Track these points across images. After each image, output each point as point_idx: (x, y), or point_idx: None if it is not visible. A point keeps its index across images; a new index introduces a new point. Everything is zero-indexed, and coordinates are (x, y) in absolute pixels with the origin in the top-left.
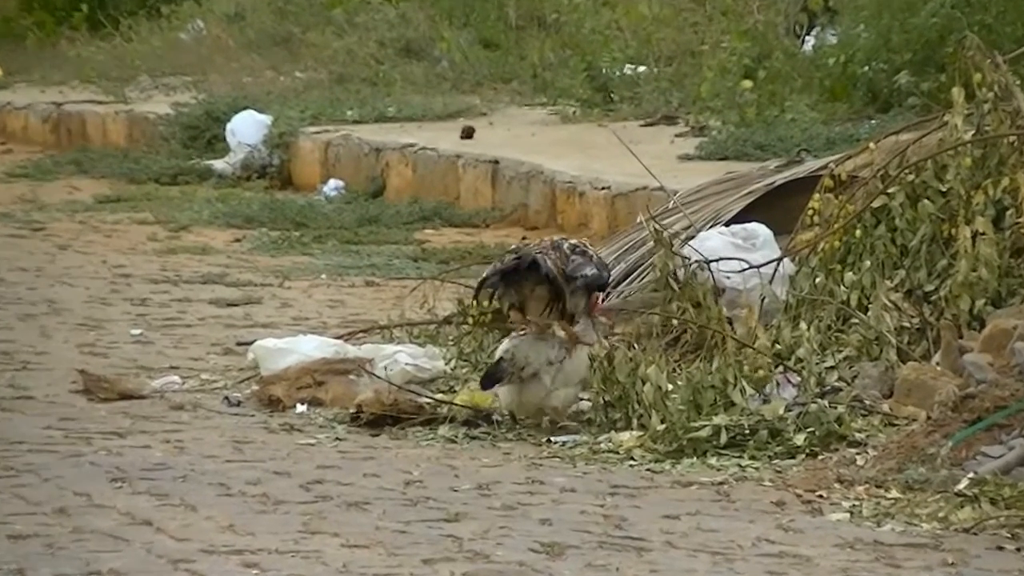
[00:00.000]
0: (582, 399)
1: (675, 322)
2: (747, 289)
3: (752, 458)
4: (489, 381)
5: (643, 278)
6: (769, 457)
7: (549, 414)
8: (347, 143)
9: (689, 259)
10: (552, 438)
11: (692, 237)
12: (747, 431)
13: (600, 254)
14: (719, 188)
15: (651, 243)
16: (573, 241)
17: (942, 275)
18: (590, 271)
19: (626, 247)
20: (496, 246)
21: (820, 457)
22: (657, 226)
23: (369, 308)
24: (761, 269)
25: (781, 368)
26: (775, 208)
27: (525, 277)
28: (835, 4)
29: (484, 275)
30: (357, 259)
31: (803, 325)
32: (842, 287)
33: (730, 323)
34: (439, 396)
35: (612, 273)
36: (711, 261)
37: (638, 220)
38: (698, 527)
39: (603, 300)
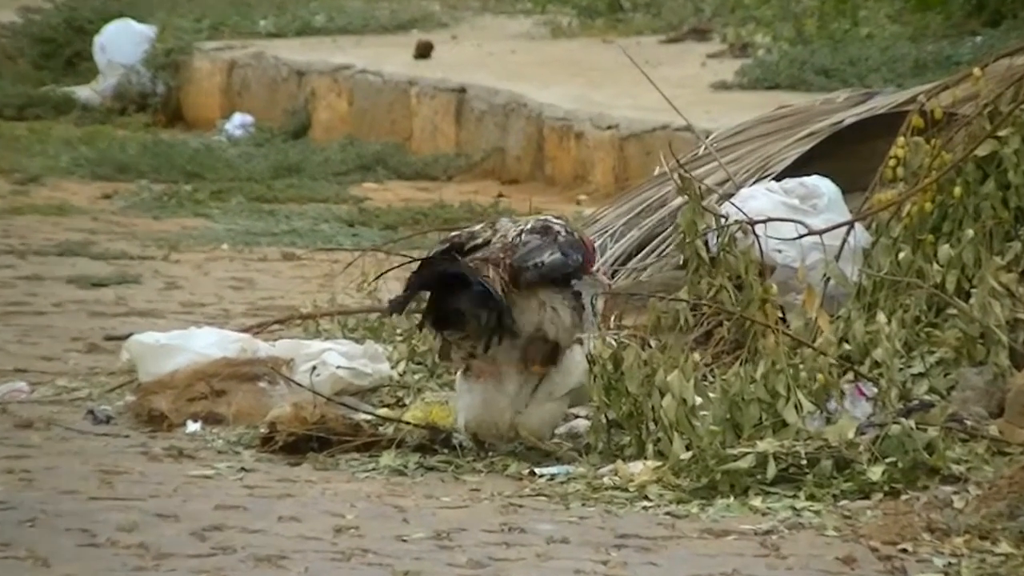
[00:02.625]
0: (577, 416)
1: (707, 310)
2: (805, 266)
3: (811, 498)
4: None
5: (663, 250)
6: (834, 497)
7: (522, 438)
8: (258, 64)
9: (727, 223)
10: (537, 469)
11: (731, 195)
12: (804, 461)
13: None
14: (767, 128)
15: (674, 202)
16: (534, 221)
17: None
18: (548, 256)
19: (639, 208)
20: (461, 207)
21: (904, 498)
22: (683, 178)
23: (288, 290)
24: (824, 239)
25: (851, 375)
26: (844, 157)
27: (456, 297)
28: None
29: (397, 297)
30: (271, 223)
31: (881, 316)
32: (935, 265)
33: (782, 312)
34: (383, 411)
35: (621, 244)
36: (757, 224)
37: (656, 171)
38: None
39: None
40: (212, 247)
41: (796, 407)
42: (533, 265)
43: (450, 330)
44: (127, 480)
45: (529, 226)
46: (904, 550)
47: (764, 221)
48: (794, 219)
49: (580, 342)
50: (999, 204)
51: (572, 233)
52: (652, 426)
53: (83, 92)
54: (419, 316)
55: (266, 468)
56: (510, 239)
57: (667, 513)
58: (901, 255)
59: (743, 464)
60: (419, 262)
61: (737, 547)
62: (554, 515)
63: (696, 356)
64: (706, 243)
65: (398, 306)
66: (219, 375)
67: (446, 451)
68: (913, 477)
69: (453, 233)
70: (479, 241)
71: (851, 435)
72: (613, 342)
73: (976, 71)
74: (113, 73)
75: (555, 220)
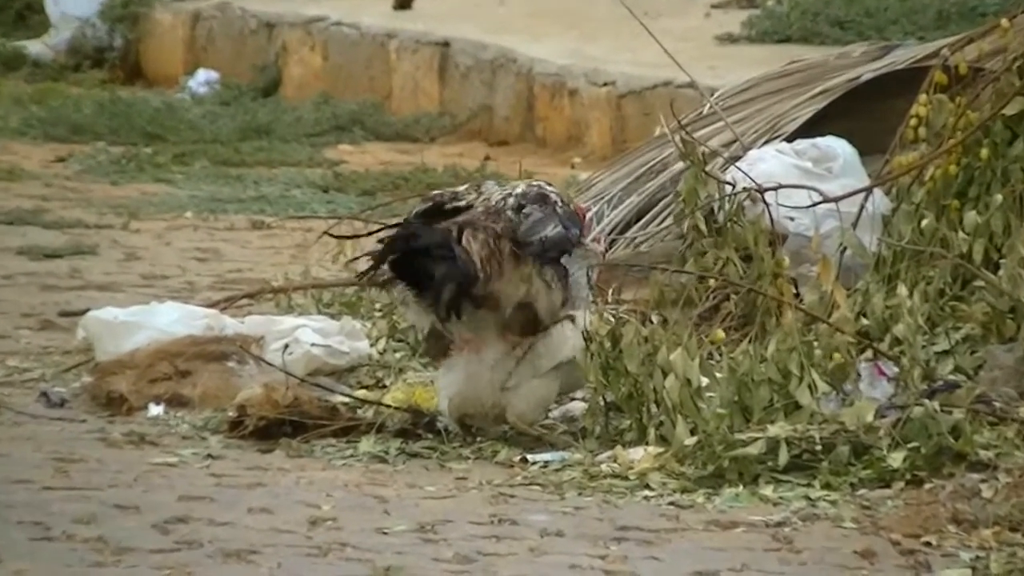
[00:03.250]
0: (573, 399)
1: (712, 283)
2: (820, 235)
3: (827, 487)
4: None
5: (664, 219)
6: (851, 485)
7: (510, 422)
8: (224, 15)
9: (734, 189)
10: (529, 456)
11: (739, 157)
12: (819, 447)
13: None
14: (778, 85)
15: (676, 166)
16: (525, 186)
17: None
18: (552, 231)
19: (639, 172)
20: (445, 171)
21: (928, 486)
22: (686, 139)
23: (257, 262)
24: (840, 205)
25: (870, 353)
26: (861, 116)
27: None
28: None
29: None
30: (239, 188)
31: (902, 289)
32: (960, 233)
33: (795, 285)
34: (361, 393)
35: (619, 212)
36: (767, 191)
37: (657, 132)
38: None
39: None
40: (175, 215)
41: (810, 388)
42: (539, 240)
43: (415, 291)
44: (84, 468)
45: (521, 191)
46: (928, 543)
47: (775, 187)
48: (807, 184)
49: (571, 318)
50: None
51: (567, 203)
52: (654, 409)
53: (34, 47)
54: (387, 275)
55: (235, 455)
56: (494, 203)
57: (670, 503)
58: (924, 223)
59: (753, 450)
60: (394, 227)
61: (746, 540)
62: (548, 506)
63: (702, 334)
64: (711, 211)
65: (368, 276)
66: (183, 354)
67: (430, 436)
68: (937, 464)
69: (435, 192)
70: (462, 203)
71: (870, 418)
72: (611, 317)
73: (1004, 22)
74: (67, 26)
75: (548, 187)
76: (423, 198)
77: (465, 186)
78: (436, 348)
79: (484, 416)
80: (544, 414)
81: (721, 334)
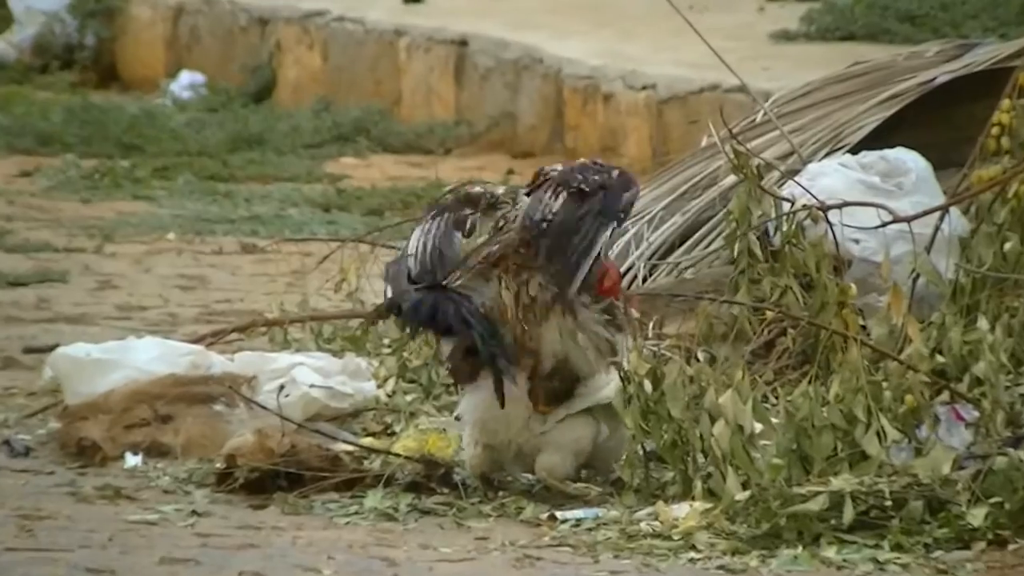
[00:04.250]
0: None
1: (767, 315)
2: (890, 259)
3: (897, 548)
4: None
5: (712, 241)
6: (926, 546)
7: (536, 474)
8: (211, 10)
9: (793, 206)
10: (558, 513)
11: (797, 171)
12: (889, 502)
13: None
14: (840, 89)
15: (726, 181)
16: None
17: None
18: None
19: (682, 189)
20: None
21: (1012, 547)
22: (737, 151)
23: (249, 291)
24: (913, 226)
25: (946, 395)
26: (935, 124)
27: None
28: None
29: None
30: (228, 207)
31: (983, 322)
32: None
33: (861, 317)
34: (367, 441)
35: (660, 234)
36: (829, 209)
37: (704, 142)
38: None
39: (641, 279)
40: (155, 237)
41: (878, 435)
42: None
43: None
44: (51, 527)
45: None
46: None
47: (838, 205)
48: (874, 202)
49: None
50: None
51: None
52: (700, 459)
53: None
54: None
55: (223, 512)
56: (528, 218)
57: (719, 567)
58: (1007, 246)
59: (813, 506)
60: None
61: None
62: (580, 570)
63: (755, 373)
64: (766, 232)
65: (383, 313)
66: (164, 396)
67: (446, 491)
68: (1023, 521)
69: (473, 187)
70: (498, 215)
71: (947, 470)
72: (652, 354)
73: None
74: (32, 22)
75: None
76: (456, 189)
77: (504, 189)
78: (463, 368)
79: (508, 448)
80: (577, 467)
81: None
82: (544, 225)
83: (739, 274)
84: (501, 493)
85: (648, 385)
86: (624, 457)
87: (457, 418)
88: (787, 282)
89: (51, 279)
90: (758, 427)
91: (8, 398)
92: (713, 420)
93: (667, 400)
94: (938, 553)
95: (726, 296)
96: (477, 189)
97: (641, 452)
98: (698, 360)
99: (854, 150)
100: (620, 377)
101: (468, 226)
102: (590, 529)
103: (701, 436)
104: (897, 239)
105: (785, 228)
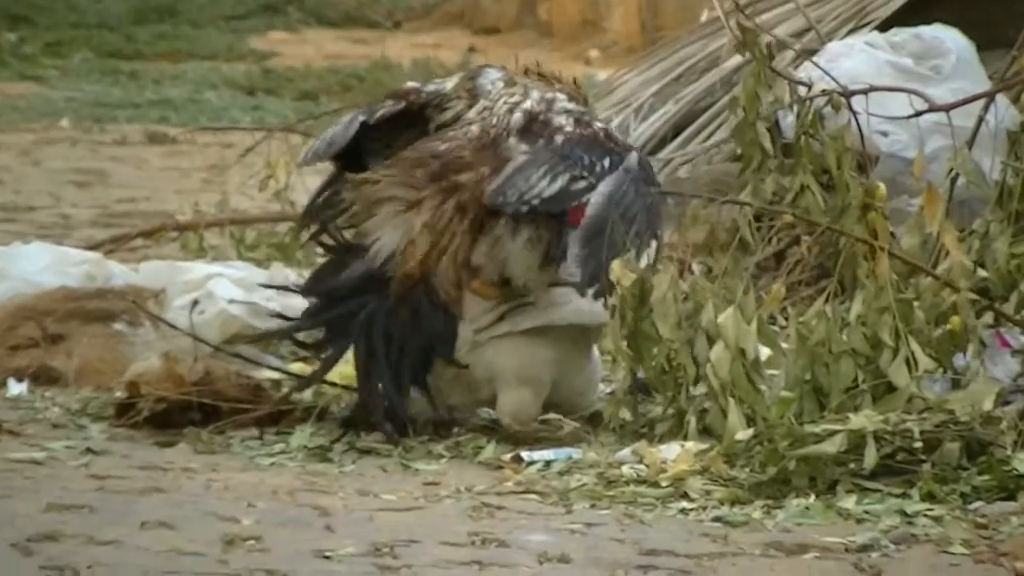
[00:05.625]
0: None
1: (777, 221)
2: (924, 156)
3: (929, 498)
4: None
5: (713, 133)
6: (963, 497)
7: (503, 423)
8: None
9: (810, 92)
10: (524, 454)
11: (815, 51)
12: (919, 444)
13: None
14: None
15: (730, 62)
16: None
17: None
18: (545, 183)
19: (677, 72)
20: (415, 67)
21: None
22: (744, 26)
23: (157, 188)
24: (952, 116)
25: (989, 317)
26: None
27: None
28: None
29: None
30: (133, 90)
31: None
32: None
33: (890, 223)
34: (296, 367)
35: (651, 124)
36: (853, 95)
37: (704, 16)
38: None
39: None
40: (46, 124)
41: (908, 363)
42: (518, 200)
43: None
44: None
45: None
46: None
47: (864, 90)
48: (907, 88)
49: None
50: None
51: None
52: (695, 390)
53: None
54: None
55: (123, 450)
56: (493, 122)
57: (716, 519)
58: None
59: (829, 447)
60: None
61: (819, 570)
62: (549, 522)
63: (762, 289)
64: (777, 123)
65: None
66: (55, 313)
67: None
68: None
69: (410, 87)
70: (448, 115)
71: (989, 406)
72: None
73: None
74: None
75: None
76: (392, 95)
77: (454, 81)
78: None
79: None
80: (539, 405)
81: (783, 290)
82: (524, 208)
83: (745, 172)
84: (456, 429)
85: (633, 299)
86: (594, 391)
87: None
88: (802, 181)
89: None
90: (764, 352)
91: None
92: (711, 343)
93: (655, 317)
94: (977, 504)
95: (728, 198)
96: (413, 87)
97: (625, 381)
98: (693, 272)
99: (882, 27)
100: (599, 291)
101: (374, 113)
102: (562, 473)
103: (696, 362)
104: (933, 132)
105: (800, 118)
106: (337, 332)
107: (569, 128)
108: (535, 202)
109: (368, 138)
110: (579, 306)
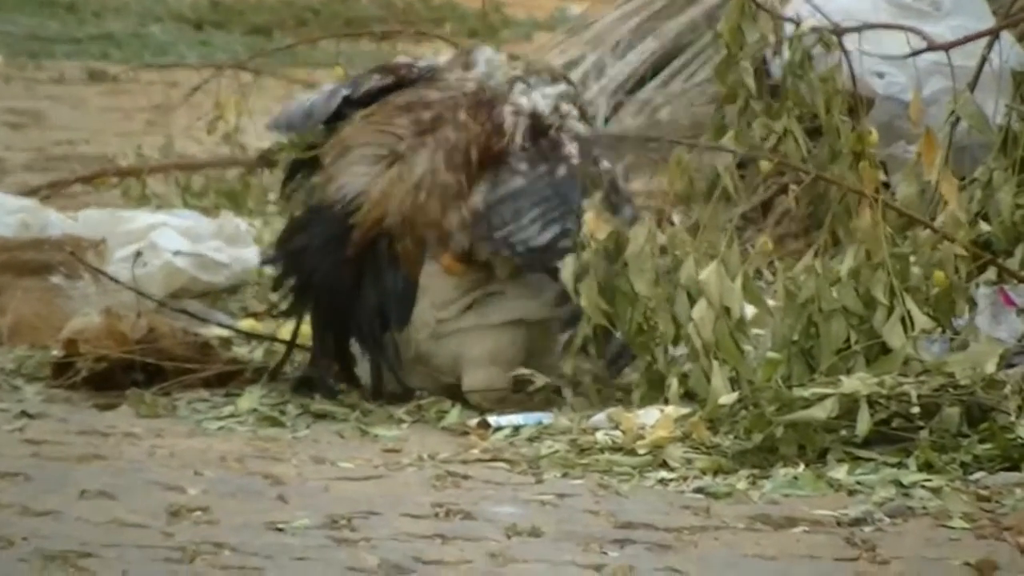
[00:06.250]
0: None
1: (764, 166)
2: (922, 99)
3: (926, 468)
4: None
5: (693, 73)
6: (963, 466)
7: (471, 400)
8: None
9: (798, 29)
10: (491, 419)
11: None
12: (916, 410)
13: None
14: None
15: None
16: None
17: None
18: (537, 232)
19: (656, 6)
20: (374, 1)
21: None
22: None
23: (97, 130)
24: (952, 55)
25: (992, 273)
26: None
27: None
28: None
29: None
30: (71, 23)
31: None
32: None
33: (884, 171)
34: (247, 324)
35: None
36: (845, 33)
37: None
38: None
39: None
40: None
41: (904, 323)
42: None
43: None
44: None
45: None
46: None
47: (857, 28)
48: (903, 25)
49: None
50: None
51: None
52: (672, 349)
53: None
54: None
55: (61, 413)
56: (498, 85)
57: (697, 490)
58: None
59: (819, 413)
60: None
61: (808, 545)
62: (517, 492)
63: (747, 241)
64: (763, 62)
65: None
66: None
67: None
68: None
69: (402, 61)
70: (434, 96)
71: (991, 368)
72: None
73: None
74: None
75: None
76: (381, 68)
77: (446, 57)
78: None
79: (408, 346)
80: (509, 385)
81: (769, 243)
82: (506, 252)
83: (720, 112)
84: (418, 393)
85: (606, 252)
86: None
87: None
88: (789, 125)
89: None
90: (750, 311)
91: None
92: (692, 300)
93: (631, 273)
94: (979, 475)
95: (709, 142)
96: (405, 62)
97: (596, 339)
98: (672, 224)
99: None
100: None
101: (359, 87)
102: (531, 440)
103: (677, 321)
104: (932, 73)
105: (788, 56)
106: (301, 298)
107: (575, 160)
108: (520, 248)
109: (350, 113)
110: (550, 299)
